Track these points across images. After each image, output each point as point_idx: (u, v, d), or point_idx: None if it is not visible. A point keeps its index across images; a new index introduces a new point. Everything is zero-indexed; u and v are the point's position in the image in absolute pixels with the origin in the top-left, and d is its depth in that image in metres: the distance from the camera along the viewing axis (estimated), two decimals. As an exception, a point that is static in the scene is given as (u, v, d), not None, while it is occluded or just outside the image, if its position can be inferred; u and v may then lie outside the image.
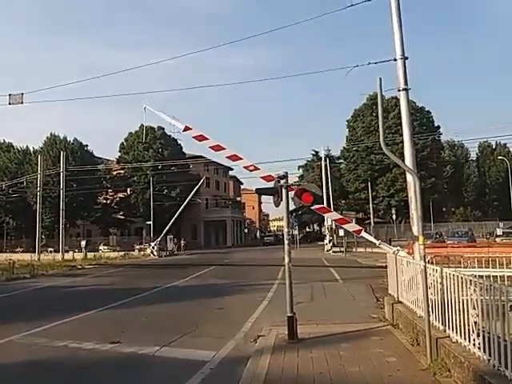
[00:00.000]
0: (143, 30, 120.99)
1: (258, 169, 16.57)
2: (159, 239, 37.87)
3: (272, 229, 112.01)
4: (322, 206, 17.80)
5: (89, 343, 7.50)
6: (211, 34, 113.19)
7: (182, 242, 41.38)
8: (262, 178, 15.24)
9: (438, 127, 57.55)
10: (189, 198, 36.91)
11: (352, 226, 15.16)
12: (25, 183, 45.18)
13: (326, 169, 43.02)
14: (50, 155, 49.75)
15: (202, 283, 17.28)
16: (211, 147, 16.12)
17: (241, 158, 16.54)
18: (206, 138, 16.80)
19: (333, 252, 33.47)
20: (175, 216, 36.65)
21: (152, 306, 11.61)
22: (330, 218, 15.38)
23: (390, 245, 28.85)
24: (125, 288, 16.20)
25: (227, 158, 16.83)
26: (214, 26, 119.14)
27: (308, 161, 62.85)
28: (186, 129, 18.09)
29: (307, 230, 76.73)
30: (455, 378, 4.87)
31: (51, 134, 54.31)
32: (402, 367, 5.54)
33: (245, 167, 16.30)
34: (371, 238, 18.79)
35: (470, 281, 4.91)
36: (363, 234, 17.58)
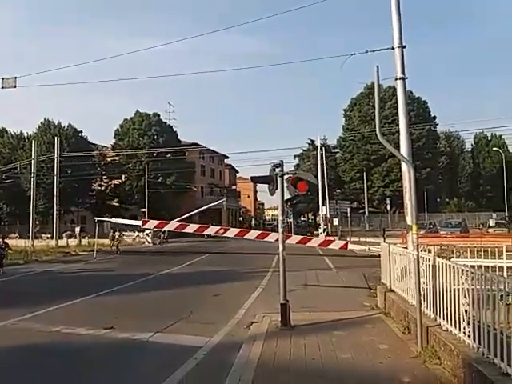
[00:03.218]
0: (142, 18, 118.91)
1: (228, 229, 17.45)
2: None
3: (267, 218, 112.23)
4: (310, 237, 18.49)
5: (82, 329, 7.53)
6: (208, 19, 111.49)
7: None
8: (236, 235, 16.36)
9: (434, 118, 57.62)
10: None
11: (337, 244, 15.59)
12: (18, 169, 44.83)
13: (321, 158, 42.94)
14: (44, 141, 49.14)
15: (196, 270, 17.35)
16: (176, 228, 17.00)
17: (208, 227, 17.43)
18: (168, 223, 17.74)
19: (327, 241, 33.63)
20: (189, 214, 36.03)
21: (146, 293, 11.66)
22: (314, 244, 16.13)
23: (384, 234, 29.46)
24: (119, 274, 16.25)
25: (195, 231, 17.70)
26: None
27: (304, 150, 62.75)
28: (144, 223, 19.36)
29: (302, 219, 77.03)
30: (445, 365, 4.94)
31: (45, 119, 53.61)
32: (393, 354, 5.61)
33: (215, 233, 17.19)
34: (359, 247, 19.72)
35: (462, 270, 4.96)
36: (350, 246, 18.16)
